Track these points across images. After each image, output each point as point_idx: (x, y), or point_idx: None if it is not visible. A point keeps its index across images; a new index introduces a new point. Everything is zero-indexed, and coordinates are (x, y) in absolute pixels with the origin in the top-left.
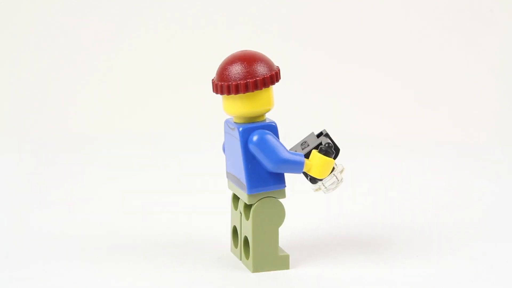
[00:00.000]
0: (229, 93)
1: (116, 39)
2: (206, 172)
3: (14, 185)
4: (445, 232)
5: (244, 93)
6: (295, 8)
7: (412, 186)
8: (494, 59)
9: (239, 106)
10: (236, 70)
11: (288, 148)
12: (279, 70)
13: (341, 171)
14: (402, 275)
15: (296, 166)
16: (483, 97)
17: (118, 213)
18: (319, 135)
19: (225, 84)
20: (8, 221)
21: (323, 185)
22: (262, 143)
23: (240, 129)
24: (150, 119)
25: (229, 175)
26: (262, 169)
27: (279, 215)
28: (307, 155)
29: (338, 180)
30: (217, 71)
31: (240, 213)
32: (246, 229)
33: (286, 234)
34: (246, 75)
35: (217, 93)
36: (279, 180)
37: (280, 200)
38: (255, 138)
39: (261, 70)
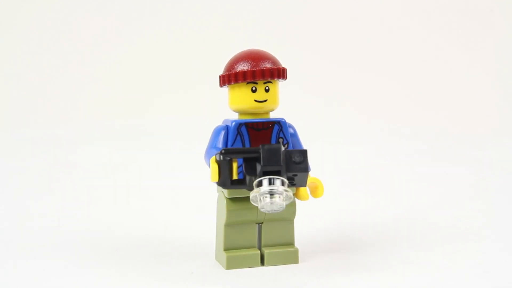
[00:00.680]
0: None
1: (116, 41)
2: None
3: (14, 185)
4: (445, 230)
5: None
6: (293, 10)
7: (413, 185)
8: (494, 59)
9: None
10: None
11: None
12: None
13: (270, 195)
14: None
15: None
16: (482, 97)
17: (117, 213)
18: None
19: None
20: (7, 220)
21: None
22: None
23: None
24: (150, 119)
25: None
26: None
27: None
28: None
29: (260, 199)
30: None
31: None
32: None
33: (296, 230)
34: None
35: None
36: None
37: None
38: None
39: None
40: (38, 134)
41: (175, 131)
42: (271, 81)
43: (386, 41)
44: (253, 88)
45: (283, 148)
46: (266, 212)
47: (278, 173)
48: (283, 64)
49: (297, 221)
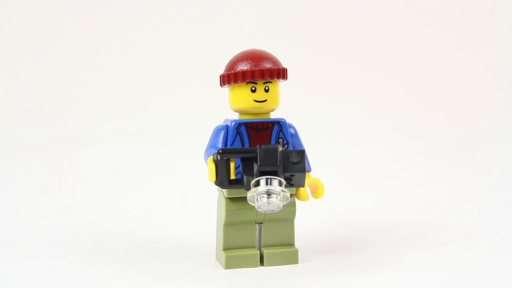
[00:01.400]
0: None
1: (116, 41)
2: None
3: (16, 184)
4: (447, 229)
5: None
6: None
7: (414, 186)
8: (494, 59)
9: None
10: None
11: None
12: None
13: (267, 195)
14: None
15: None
16: (483, 97)
17: (119, 212)
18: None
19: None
20: (8, 220)
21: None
22: None
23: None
24: (150, 118)
25: None
26: None
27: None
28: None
29: (257, 199)
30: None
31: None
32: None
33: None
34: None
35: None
36: None
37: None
38: None
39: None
40: (39, 134)
41: (176, 130)
42: (270, 81)
43: (386, 41)
44: (253, 88)
45: (280, 148)
46: (263, 212)
47: (275, 173)
48: (284, 64)
49: (298, 222)
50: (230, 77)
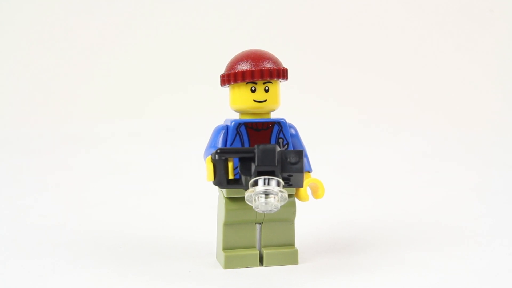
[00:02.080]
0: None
1: (116, 41)
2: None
3: (16, 184)
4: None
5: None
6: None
7: (414, 186)
8: (494, 59)
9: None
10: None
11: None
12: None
13: (264, 195)
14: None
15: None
16: (482, 97)
17: (120, 212)
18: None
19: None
20: (6, 219)
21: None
22: None
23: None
24: (151, 118)
25: None
26: None
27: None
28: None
29: (255, 199)
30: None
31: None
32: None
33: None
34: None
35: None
36: None
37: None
38: None
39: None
40: (39, 134)
41: (177, 130)
42: (270, 81)
43: (386, 41)
44: (253, 88)
45: (278, 149)
46: (261, 212)
47: (272, 173)
48: (285, 64)
49: (298, 222)
50: (230, 77)
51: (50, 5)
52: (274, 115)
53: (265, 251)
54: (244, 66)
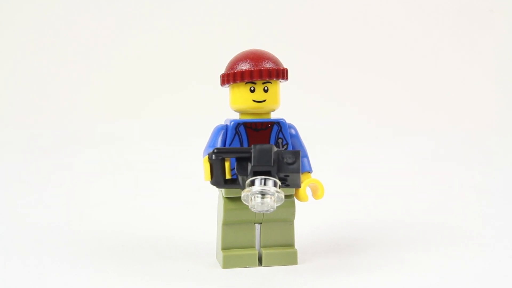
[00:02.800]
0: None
1: (116, 41)
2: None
3: (13, 184)
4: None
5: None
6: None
7: (414, 186)
8: (494, 59)
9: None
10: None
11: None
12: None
13: (261, 195)
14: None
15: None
16: (483, 97)
17: (120, 212)
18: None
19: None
20: (6, 219)
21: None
22: None
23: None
24: (151, 118)
25: None
26: None
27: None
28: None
29: (251, 199)
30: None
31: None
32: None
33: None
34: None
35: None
36: None
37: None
38: None
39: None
40: (39, 134)
41: (177, 130)
42: (270, 81)
43: (386, 41)
44: (252, 88)
45: (275, 149)
46: (257, 212)
47: (268, 173)
48: (285, 64)
49: (298, 222)
50: (229, 77)
51: (50, 5)
52: (274, 115)
53: (264, 251)
54: (243, 66)
